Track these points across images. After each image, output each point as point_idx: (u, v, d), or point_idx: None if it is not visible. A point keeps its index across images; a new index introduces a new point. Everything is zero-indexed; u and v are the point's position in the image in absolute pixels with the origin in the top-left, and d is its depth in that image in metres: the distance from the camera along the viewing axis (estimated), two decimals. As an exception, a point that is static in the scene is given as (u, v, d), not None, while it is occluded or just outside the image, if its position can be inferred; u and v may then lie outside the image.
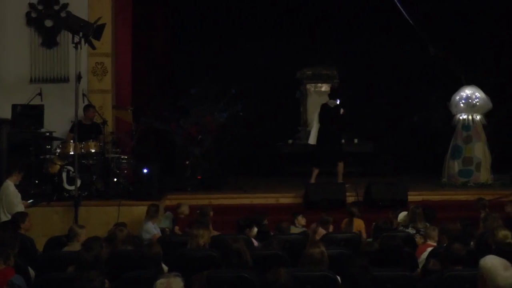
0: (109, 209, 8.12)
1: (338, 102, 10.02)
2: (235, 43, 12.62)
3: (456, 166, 10.15)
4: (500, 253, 4.26)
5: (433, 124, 11.95)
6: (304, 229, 7.31)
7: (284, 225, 6.83)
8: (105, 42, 9.23)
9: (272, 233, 6.68)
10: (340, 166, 9.86)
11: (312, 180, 9.74)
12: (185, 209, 7.78)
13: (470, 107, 10.21)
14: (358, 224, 7.21)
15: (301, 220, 7.42)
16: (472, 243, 5.73)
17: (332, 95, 10.16)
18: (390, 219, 7.34)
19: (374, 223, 6.97)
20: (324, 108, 9.97)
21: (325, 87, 12.82)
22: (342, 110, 9.89)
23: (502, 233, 5.34)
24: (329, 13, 12.41)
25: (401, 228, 6.77)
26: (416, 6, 11.46)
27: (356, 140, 12.35)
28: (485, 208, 7.49)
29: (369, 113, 12.61)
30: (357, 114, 12.27)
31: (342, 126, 10.07)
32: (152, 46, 11.48)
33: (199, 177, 10.01)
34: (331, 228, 7.27)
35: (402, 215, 7.17)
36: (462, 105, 10.26)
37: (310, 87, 12.95)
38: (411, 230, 6.57)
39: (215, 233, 7.13)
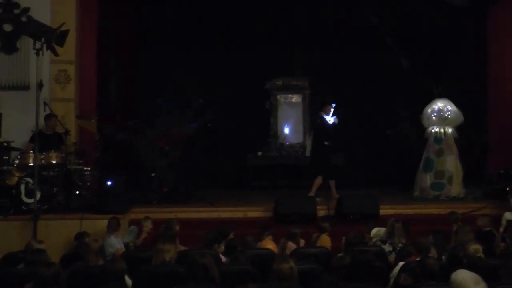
0: (71, 223, 8.01)
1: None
2: (203, 52, 12.60)
3: (428, 179, 10.29)
4: (471, 267, 4.32)
5: (405, 136, 12.12)
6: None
7: (250, 238, 6.79)
8: (69, 49, 9.13)
9: (239, 248, 6.64)
10: (319, 179, 9.97)
11: (313, 193, 9.84)
12: (148, 224, 7.73)
13: (442, 120, 10.40)
14: (324, 241, 7.21)
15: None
16: (443, 257, 5.80)
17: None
18: (362, 233, 7.37)
19: (344, 237, 6.98)
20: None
21: (295, 98, 12.93)
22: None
23: (473, 247, 5.42)
24: (300, 23, 12.51)
25: (378, 243, 6.80)
26: (388, 19, 11.69)
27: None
28: (458, 221, 7.60)
29: (340, 125, 12.69)
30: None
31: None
32: (118, 54, 11.40)
33: (165, 189, 9.95)
34: (302, 243, 7.27)
35: (375, 230, 7.19)
36: (434, 117, 10.44)
37: (280, 98, 13.05)
38: (387, 247, 6.58)
39: (182, 247, 7.06)
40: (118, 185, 8.53)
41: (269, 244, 7.10)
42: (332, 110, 10.01)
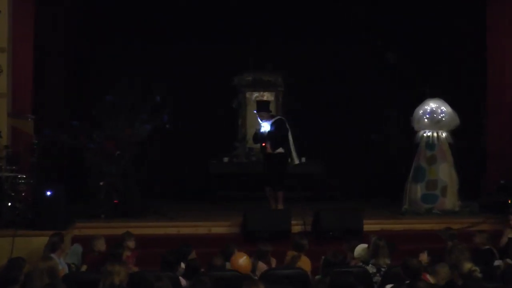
0: (1, 242, 7.94)
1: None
2: (160, 43, 12.53)
3: (419, 190, 10.40)
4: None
5: (392, 142, 12.25)
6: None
7: (217, 262, 6.77)
8: (0, 34, 9.03)
9: (202, 269, 6.61)
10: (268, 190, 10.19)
11: (281, 205, 9.88)
12: (100, 244, 7.58)
13: (435, 122, 10.52)
14: (304, 263, 7.23)
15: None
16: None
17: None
18: (343, 251, 7.41)
19: (323, 257, 7.02)
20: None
21: (267, 96, 12.96)
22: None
23: (468, 266, 5.48)
24: (272, 9, 12.53)
25: (360, 264, 6.84)
26: (372, 7, 11.79)
27: (303, 159, 12.47)
28: (454, 238, 7.69)
29: (318, 128, 12.79)
30: (305, 128, 12.43)
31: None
32: (58, 43, 11.28)
33: (115, 201, 9.87)
34: (273, 263, 7.29)
35: (360, 248, 7.22)
36: (426, 120, 10.56)
37: (250, 95, 13.06)
38: (371, 268, 6.62)
39: (134, 269, 7.02)
40: (59, 196, 8.48)
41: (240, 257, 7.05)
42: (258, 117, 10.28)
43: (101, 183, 9.94)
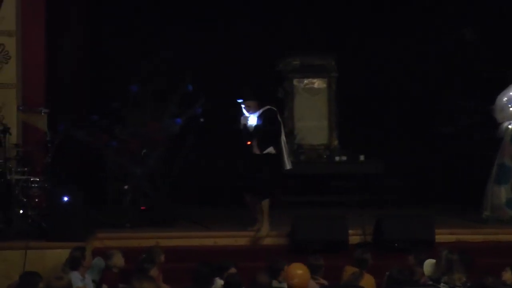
0: (11, 255, 8.05)
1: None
2: (192, 23, 12.57)
3: (503, 193, 10.21)
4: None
5: (468, 136, 12.06)
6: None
7: (262, 279, 6.73)
8: (8, 16, 9.23)
9: (243, 288, 6.63)
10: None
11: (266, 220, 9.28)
12: (117, 260, 7.65)
13: (524, 112, 10.33)
14: (367, 282, 7.17)
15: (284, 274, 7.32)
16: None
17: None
18: (410, 266, 7.34)
19: (387, 273, 6.94)
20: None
21: (318, 83, 12.89)
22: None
23: None
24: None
25: (429, 283, 6.75)
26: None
27: (361, 157, 12.40)
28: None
29: (378, 120, 12.70)
30: (362, 121, 12.33)
31: None
32: (73, 26, 11.40)
33: (142, 208, 9.95)
34: (322, 280, 7.24)
35: (429, 263, 7.14)
36: (511, 109, 10.38)
37: (298, 83, 13.03)
38: (443, 287, 6.53)
39: (164, 287, 7.03)
40: (77, 202, 8.55)
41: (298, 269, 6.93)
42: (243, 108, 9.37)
43: (125, 187, 10.00)
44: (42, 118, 9.44)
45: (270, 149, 9.11)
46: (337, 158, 12.47)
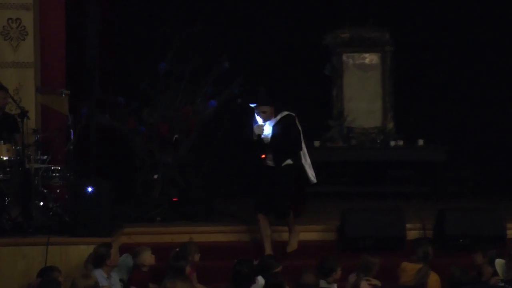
0: (31, 251, 8.09)
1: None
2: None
3: None
4: None
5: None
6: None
7: (308, 279, 6.77)
8: (23, -13, 9.31)
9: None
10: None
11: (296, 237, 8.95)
12: (146, 258, 7.71)
13: None
14: (432, 280, 7.16)
15: (335, 275, 7.37)
16: None
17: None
18: (477, 265, 7.31)
19: (451, 273, 6.92)
20: None
21: (371, 58, 12.80)
22: None
23: None
24: None
25: (500, 284, 6.69)
26: None
27: (421, 142, 12.31)
28: None
29: (440, 102, 12.62)
30: (422, 103, 12.24)
31: None
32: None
33: (174, 199, 10.02)
34: (374, 280, 7.21)
35: (501, 262, 7.10)
36: None
37: (348, 58, 13.02)
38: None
39: (199, 287, 7.15)
40: (103, 194, 8.56)
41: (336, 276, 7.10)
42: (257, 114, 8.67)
43: (155, 177, 10.09)
44: (63, 100, 9.40)
45: (288, 161, 8.63)
46: (392, 143, 12.43)
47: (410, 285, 6.96)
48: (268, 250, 8.40)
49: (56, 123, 9.55)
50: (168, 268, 7.06)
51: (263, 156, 8.55)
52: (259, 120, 8.57)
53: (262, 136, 8.52)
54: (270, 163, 8.57)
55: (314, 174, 8.92)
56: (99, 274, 7.10)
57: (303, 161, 8.79)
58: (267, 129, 8.55)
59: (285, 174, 8.60)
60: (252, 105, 8.67)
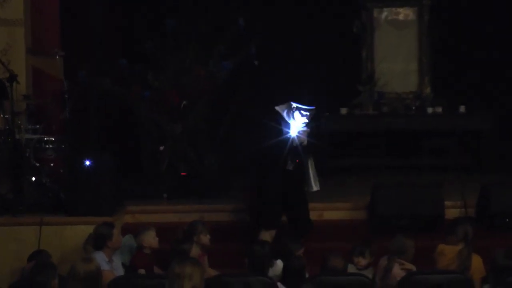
0: (23, 232, 8.15)
1: None
2: None
3: None
4: None
5: None
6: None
7: (336, 263, 6.82)
8: None
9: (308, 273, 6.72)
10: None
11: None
12: (149, 239, 7.71)
13: None
14: (475, 264, 7.15)
15: (362, 260, 7.45)
16: None
17: None
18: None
19: (494, 257, 6.88)
20: None
21: (405, 14, 12.72)
22: None
23: None
24: None
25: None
26: None
27: (462, 109, 12.25)
28: None
29: (484, 63, 12.56)
30: (464, 64, 12.16)
31: None
32: None
33: (182, 173, 10.05)
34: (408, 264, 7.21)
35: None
36: None
37: (379, 14, 12.98)
38: None
39: (213, 272, 7.16)
40: (103, 167, 8.60)
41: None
42: (303, 115, 8.37)
43: (161, 148, 10.11)
44: (57, 63, 9.44)
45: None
46: (430, 110, 12.37)
47: (450, 270, 6.92)
48: None
49: (50, 88, 9.61)
50: (172, 251, 7.11)
51: (297, 161, 8.38)
52: (298, 124, 8.25)
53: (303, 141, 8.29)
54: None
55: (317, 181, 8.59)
56: (99, 257, 7.11)
57: (309, 167, 8.54)
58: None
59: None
60: (308, 108, 8.29)
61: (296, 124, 8.22)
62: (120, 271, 7.28)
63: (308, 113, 8.27)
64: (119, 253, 7.69)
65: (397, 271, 6.91)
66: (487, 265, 7.04)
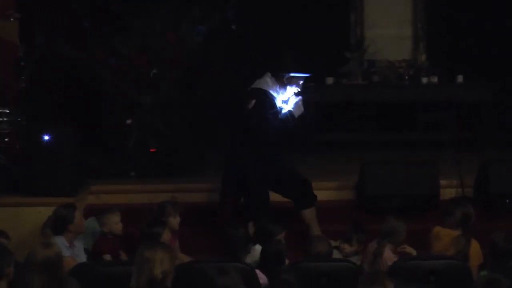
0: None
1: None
2: None
3: None
4: None
5: None
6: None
7: (320, 247, 6.85)
8: None
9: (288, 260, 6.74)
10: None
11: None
12: (111, 222, 7.74)
13: None
14: (473, 250, 7.16)
15: (348, 247, 7.54)
16: None
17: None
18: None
19: (494, 241, 6.91)
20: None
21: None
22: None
23: None
24: None
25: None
26: None
27: (460, 79, 12.26)
28: None
29: (486, 28, 12.54)
30: (462, 28, 12.16)
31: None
32: None
33: (152, 150, 10.05)
34: (410, 250, 7.32)
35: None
36: None
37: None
38: None
39: (185, 258, 7.18)
40: (64, 143, 8.62)
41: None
42: (295, 84, 8.44)
43: (129, 121, 10.09)
44: (11, 26, 9.45)
45: None
46: (425, 80, 12.39)
47: (446, 255, 6.94)
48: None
49: (3, 54, 9.51)
50: (141, 235, 7.12)
51: None
52: (290, 95, 8.31)
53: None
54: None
55: None
56: (60, 242, 7.11)
57: None
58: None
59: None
60: (304, 75, 8.43)
61: (287, 95, 8.26)
62: (83, 257, 7.27)
63: (301, 81, 8.34)
64: (82, 238, 7.68)
65: (389, 255, 6.96)
66: (485, 249, 7.08)
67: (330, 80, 12.44)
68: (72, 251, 7.20)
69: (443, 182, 9.06)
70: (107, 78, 10.22)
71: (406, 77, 12.65)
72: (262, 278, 6.22)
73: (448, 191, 9.04)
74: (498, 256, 6.53)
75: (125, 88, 10.18)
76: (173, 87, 10.34)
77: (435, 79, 12.37)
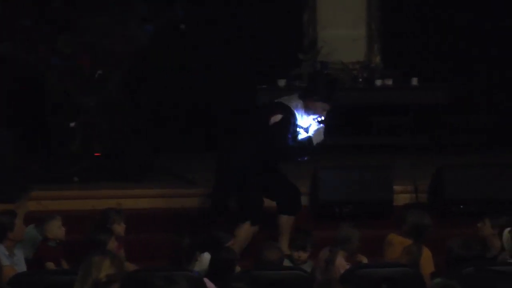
0: None
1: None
2: None
3: None
4: None
5: None
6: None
7: (272, 255, 6.86)
8: None
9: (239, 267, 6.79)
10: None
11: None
12: (52, 228, 7.68)
13: None
14: (424, 258, 7.23)
15: (303, 254, 7.52)
16: None
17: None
18: (482, 238, 7.40)
19: (449, 247, 6.99)
20: None
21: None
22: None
23: None
24: None
25: (509, 260, 6.78)
26: None
27: (415, 81, 12.35)
28: None
29: (442, 28, 12.65)
30: (418, 29, 12.27)
31: None
32: None
33: (96, 154, 10.04)
34: (362, 258, 7.38)
35: (507, 233, 7.20)
36: None
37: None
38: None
39: (131, 266, 7.15)
40: (3, 146, 8.67)
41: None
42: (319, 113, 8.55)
43: (72, 124, 10.05)
44: None
45: None
46: (379, 82, 12.43)
47: (399, 263, 7.00)
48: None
49: None
50: (86, 242, 7.10)
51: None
52: (312, 121, 8.46)
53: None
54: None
55: None
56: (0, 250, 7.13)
57: None
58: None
59: None
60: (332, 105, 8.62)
61: (308, 122, 8.39)
62: (23, 266, 7.22)
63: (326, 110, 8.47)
64: (21, 246, 7.65)
65: (341, 263, 7.01)
66: (439, 256, 7.14)
67: (282, 83, 12.42)
68: (12, 259, 7.14)
69: (397, 187, 9.13)
70: (49, 78, 10.20)
71: (360, 79, 12.71)
72: (211, 286, 6.24)
73: (402, 196, 9.14)
74: (454, 263, 6.60)
75: (68, 89, 10.16)
76: (118, 88, 10.32)
77: (389, 82, 12.43)
